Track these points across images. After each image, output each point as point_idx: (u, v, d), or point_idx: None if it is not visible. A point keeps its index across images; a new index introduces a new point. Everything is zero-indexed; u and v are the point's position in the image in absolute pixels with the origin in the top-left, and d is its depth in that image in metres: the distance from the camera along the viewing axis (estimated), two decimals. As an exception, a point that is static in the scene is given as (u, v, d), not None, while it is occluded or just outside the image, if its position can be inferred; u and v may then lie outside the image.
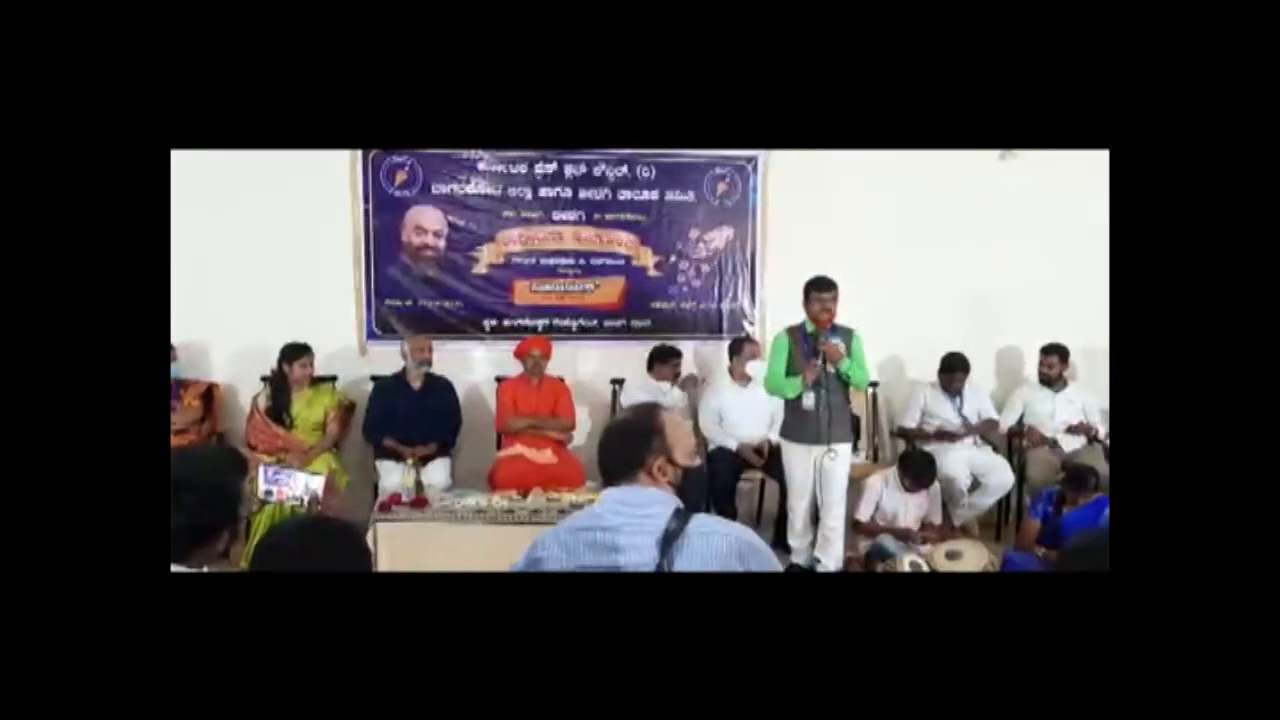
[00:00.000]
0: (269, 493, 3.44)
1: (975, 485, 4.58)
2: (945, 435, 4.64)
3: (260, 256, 4.50)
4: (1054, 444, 4.70)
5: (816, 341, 3.85)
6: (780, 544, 4.29)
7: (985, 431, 4.73)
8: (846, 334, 3.91)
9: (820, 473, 3.92)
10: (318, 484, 3.56)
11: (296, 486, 3.41)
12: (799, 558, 4.11)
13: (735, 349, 4.58)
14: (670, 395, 4.61)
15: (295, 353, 4.23)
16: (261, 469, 3.59)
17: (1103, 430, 4.73)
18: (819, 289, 3.85)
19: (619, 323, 4.91)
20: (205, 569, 1.43)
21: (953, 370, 4.67)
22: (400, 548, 3.46)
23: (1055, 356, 4.76)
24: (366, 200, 4.64)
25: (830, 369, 3.83)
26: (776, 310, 4.74)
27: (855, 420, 4.01)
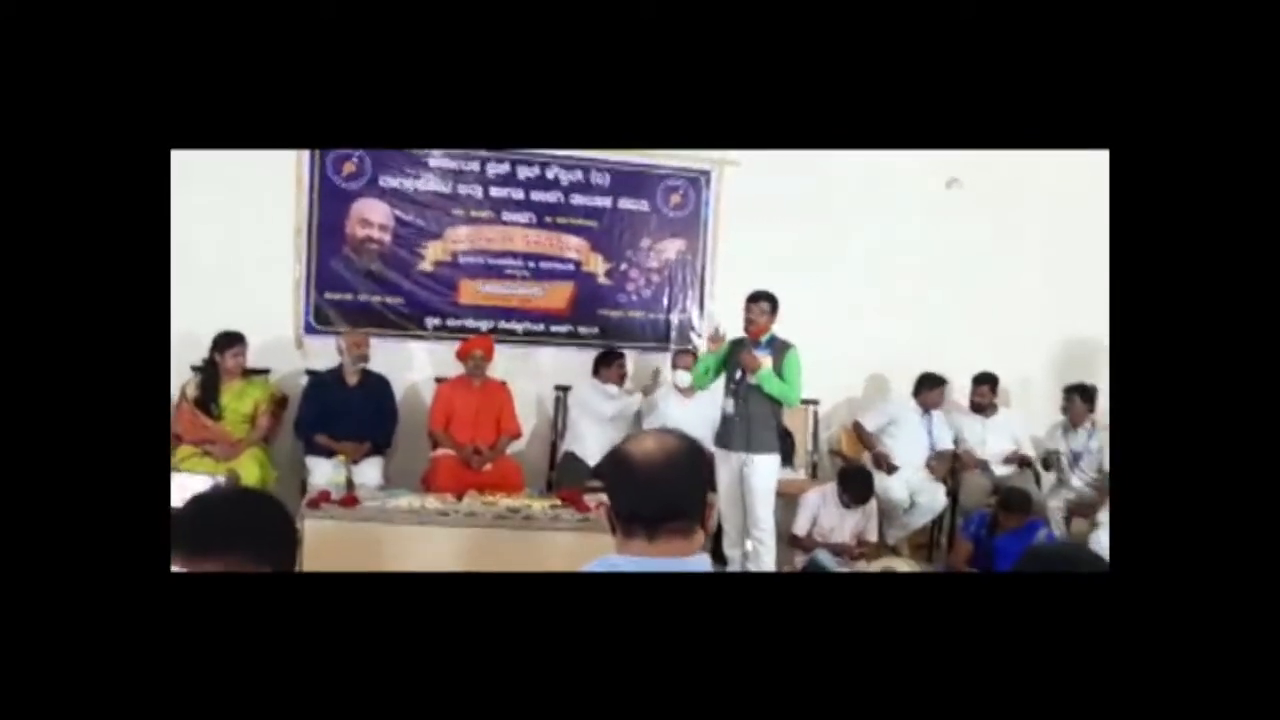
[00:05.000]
0: None
1: (910, 505, 4.63)
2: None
3: (197, 242, 4.33)
4: (985, 467, 4.79)
5: (740, 350, 3.91)
6: (717, 555, 4.29)
7: (943, 466, 4.71)
8: (783, 347, 3.93)
9: (741, 482, 3.96)
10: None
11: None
12: (733, 567, 4.10)
13: (674, 361, 4.62)
14: (620, 400, 4.58)
15: (228, 342, 4.09)
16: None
17: (1033, 455, 4.85)
18: (749, 300, 3.96)
19: (566, 328, 4.86)
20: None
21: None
22: (327, 546, 3.34)
23: (986, 386, 4.88)
24: (311, 190, 4.53)
25: (751, 379, 3.86)
26: (724, 323, 4.74)
27: (785, 434, 4.00)
